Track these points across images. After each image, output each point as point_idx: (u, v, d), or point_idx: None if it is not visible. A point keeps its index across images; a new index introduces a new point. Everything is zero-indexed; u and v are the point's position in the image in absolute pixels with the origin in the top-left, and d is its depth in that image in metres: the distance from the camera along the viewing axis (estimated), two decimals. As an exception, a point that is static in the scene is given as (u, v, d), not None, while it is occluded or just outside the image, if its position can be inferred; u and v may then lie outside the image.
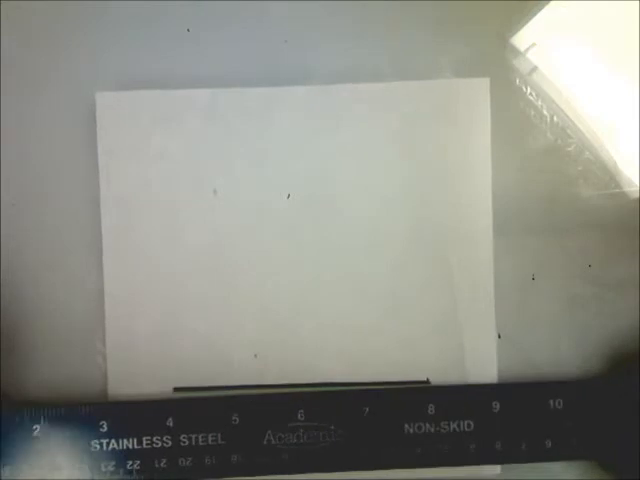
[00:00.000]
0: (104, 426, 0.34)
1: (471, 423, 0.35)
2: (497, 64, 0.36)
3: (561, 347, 0.36)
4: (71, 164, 0.35)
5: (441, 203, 0.36)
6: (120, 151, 0.35)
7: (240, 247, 0.35)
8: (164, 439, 0.34)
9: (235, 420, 0.34)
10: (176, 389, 0.35)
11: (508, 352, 0.36)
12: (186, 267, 0.35)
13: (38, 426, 0.34)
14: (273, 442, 0.34)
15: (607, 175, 0.36)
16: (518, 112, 0.36)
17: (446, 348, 0.36)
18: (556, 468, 0.35)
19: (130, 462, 0.34)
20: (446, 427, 0.35)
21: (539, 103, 0.36)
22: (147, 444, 0.34)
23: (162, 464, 0.34)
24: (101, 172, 0.35)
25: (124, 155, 0.35)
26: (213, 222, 0.35)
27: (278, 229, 0.36)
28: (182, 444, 0.34)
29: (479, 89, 0.35)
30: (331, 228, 0.36)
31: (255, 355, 0.35)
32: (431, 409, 0.35)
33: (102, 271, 0.35)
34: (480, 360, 0.36)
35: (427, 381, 0.35)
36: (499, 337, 0.36)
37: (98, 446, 0.34)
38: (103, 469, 0.34)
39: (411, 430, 0.34)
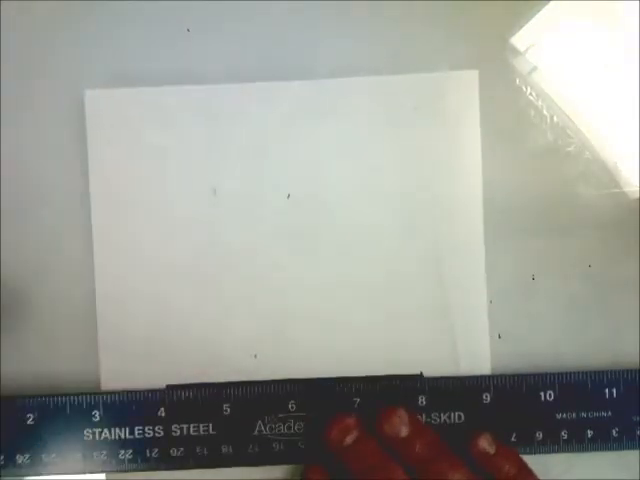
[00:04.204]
0: (96, 415, 0.34)
1: (462, 414, 0.34)
2: (497, 64, 0.36)
3: (561, 347, 0.36)
4: (61, 162, 0.36)
5: (434, 196, 0.36)
6: (110, 149, 0.36)
7: (237, 246, 0.36)
8: (156, 429, 0.34)
9: (226, 410, 0.34)
10: (169, 387, 0.35)
11: (508, 352, 0.36)
12: (181, 266, 0.36)
13: (32, 415, 0.34)
14: (264, 432, 0.34)
15: (607, 175, 0.36)
16: (518, 112, 0.36)
17: (440, 345, 0.36)
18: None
19: (122, 451, 0.34)
20: (437, 418, 0.34)
21: (539, 103, 0.36)
22: (139, 434, 0.34)
23: (154, 454, 0.34)
24: (91, 170, 0.35)
25: (114, 153, 0.36)
26: (210, 221, 0.36)
27: (276, 228, 0.36)
28: (174, 434, 0.34)
29: (468, 81, 0.35)
30: (326, 227, 0.36)
31: (254, 355, 0.35)
32: (422, 400, 0.34)
33: (93, 268, 0.35)
34: (474, 357, 0.35)
35: (421, 375, 0.35)
36: (499, 337, 0.35)
37: (91, 435, 0.34)
38: (95, 458, 0.34)
39: (402, 421, 0.34)
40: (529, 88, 0.36)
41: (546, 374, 0.35)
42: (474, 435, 0.33)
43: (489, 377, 0.35)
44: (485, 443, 0.33)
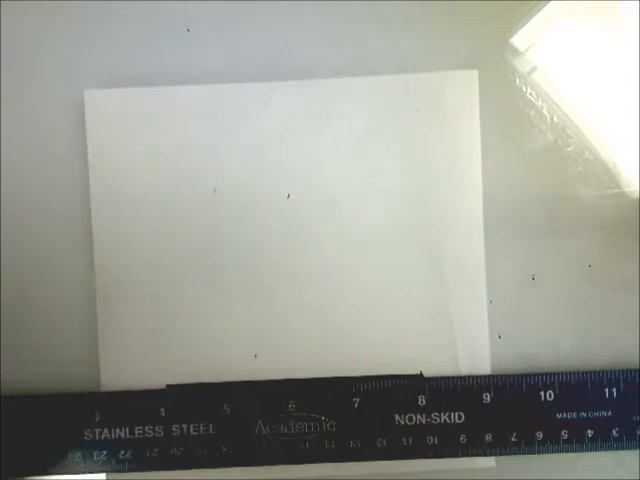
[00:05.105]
0: (97, 415, 0.34)
1: (462, 414, 0.35)
2: (497, 64, 0.36)
3: (561, 347, 0.36)
4: (61, 161, 0.36)
5: (433, 196, 0.36)
6: (110, 148, 0.36)
7: (237, 246, 0.36)
8: (156, 429, 0.34)
9: (226, 410, 0.34)
10: (169, 387, 0.35)
11: (508, 352, 0.36)
12: (181, 266, 0.36)
13: (33, 415, 0.34)
14: (264, 432, 0.34)
15: (607, 175, 0.36)
16: (518, 112, 0.36)
17: (440, 345, 0.36)
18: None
19: (122, 451, 0.34)
20: (437, 418, 0.35)
21: (539, 103, 0.36)
22: (139, 434, 0.34)
23: (154, 453, 0.34)
24: (91, 170, 0.35)
25: (114, 153, 0.36)
26: (210, 221, 0.36)
27: (276, 228, 0.36)
28: (174, 434, 0.34)
29: (468, 81, 0.35)
30: (326, 227, 0.36)
31: (255, 355, 0.35)
32: (422, 400, 0.35)
33: (93, 268, 0.35)
34: (474, 357, 0.35)
35: (421, 375, 0.35)
36: (499, 337, 0.35)
37: (91, 435, 0.34)
38: (96, 458, 0.34)
39: (402, 421, 0.35)
40: (529, 88, 0.36)
41: (546, 374, 0.35)
42: None
43: (489, 377, 0.35)
44: None
